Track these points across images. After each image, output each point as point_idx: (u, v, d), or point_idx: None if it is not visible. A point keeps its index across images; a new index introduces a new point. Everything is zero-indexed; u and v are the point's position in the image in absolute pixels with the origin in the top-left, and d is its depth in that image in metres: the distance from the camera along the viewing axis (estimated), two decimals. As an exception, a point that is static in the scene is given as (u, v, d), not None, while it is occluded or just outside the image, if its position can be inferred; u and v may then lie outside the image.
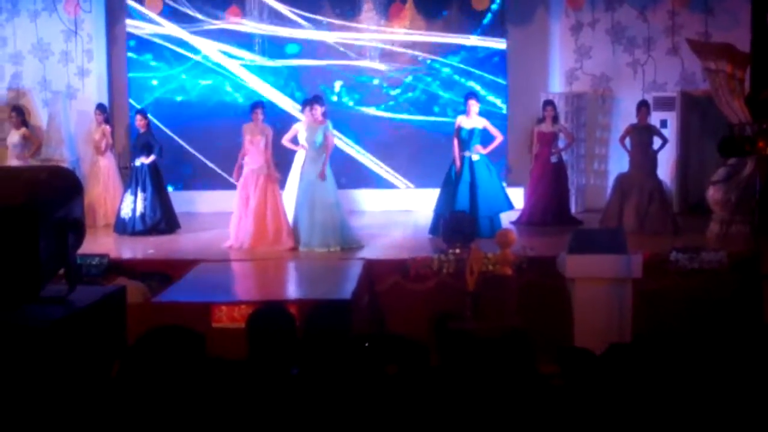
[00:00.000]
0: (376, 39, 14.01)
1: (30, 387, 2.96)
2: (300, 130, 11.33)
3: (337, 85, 14.37)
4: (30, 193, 3.08)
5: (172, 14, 14.12)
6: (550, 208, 12.36)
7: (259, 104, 11.48)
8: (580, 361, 5.96)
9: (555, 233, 11.47)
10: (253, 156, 11.17)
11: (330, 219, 10.79)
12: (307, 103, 11.29)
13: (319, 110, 10.90)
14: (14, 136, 12.50)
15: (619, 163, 12.94)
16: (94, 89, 14.14)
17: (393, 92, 14.36)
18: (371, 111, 14.39)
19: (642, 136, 11.88)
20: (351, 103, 14.38)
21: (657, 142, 11.97)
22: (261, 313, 3.97)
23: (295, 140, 11.49)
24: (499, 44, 14.15)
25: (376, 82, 14.34)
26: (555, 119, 12.55)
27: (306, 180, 10.91)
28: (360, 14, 13.76)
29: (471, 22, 14.09)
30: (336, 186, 11.13)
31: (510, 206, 11.86)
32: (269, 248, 10.82)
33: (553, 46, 14.24)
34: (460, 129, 11.64)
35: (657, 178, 11.94)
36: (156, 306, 8.46)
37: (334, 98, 14.30)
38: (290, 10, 14.13)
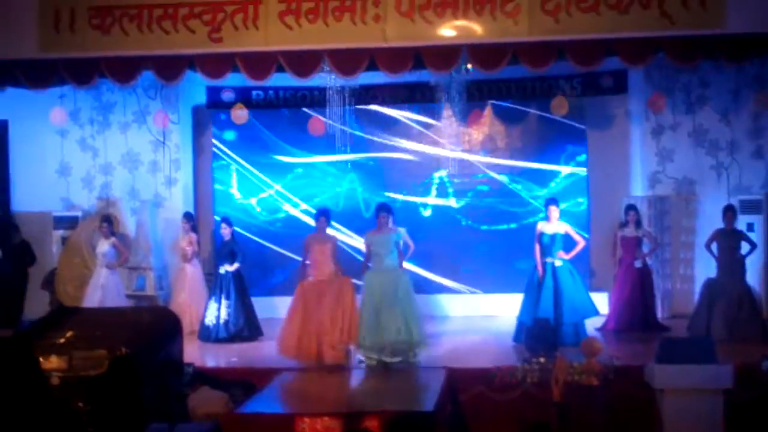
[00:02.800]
0: (455, 143, 14.17)
1: None
2: (371, 239, 10.78)
3: (434, 187, 14.50)
4: (134, 336, 3.16)
5: (256, 124, 14.52)
6: (636, 314, 12.15)
7: (323, 212, 11.17)
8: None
9: (641, 340, 11.31)
10: (322, 266, 10.76)
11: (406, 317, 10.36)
12: (378, 211, 10.91)
13: (389, 219, 10.83)
14: (104, 246, 12.79)
15: (706, 267, 12.70)
16: (180, 198, 14.51)
17: (473, 195, 14.42)
18: (452, 214, 14.45)
19: (729, 240, 11.68)
20: (428, 211, 14.47)
21: (745, 246, 11.75)
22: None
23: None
24: (580, 150, 14.18)
25: (456, 184, 14.43)
26: (638, 224, 12.43)
27: (382, 287, 10.47)
28: (440, 120, 13.94)
29: (551, 126, 14.14)
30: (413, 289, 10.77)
31: (596, 312, 11.70)
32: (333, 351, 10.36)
33: (634, 150, 14.20)
34: (541, 234, 11.60)
35: (746, 283, 11.68)
36: (239, 417, 8.49)
37: (415, 199, 14.44)
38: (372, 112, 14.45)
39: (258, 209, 14.73)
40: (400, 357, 10.34)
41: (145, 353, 3.23)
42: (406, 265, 12.63)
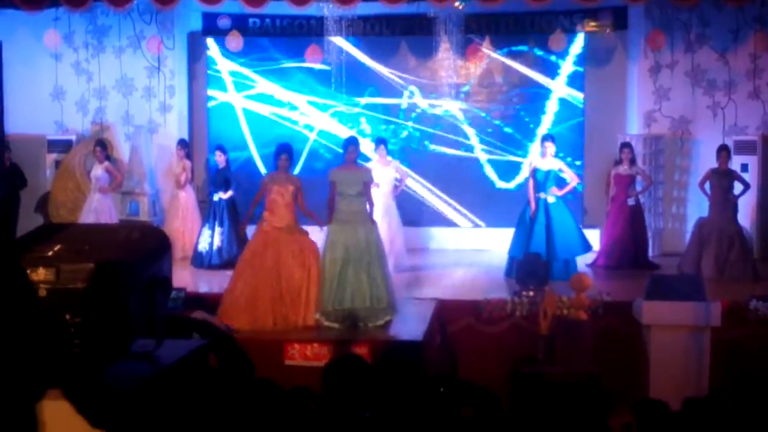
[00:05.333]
0: (452, 79, 14.06)
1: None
2: (337, 177, 9.39)
3: (410, 124, 14.45)
4: (122, 251, 3.17)
5: (251, 52, 14.38)
6: (627, 251, 12.20)
7: (284, 149, 9.52)
8: (656, 415, 5.87)
9: (631, 277, 11.35)
10: (279, 210, 9.21)
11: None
12: (347, 145, 9.50)
13: (357, 154, 9.54)
14: (98, 170, 12.79)
15: (698, 206, 12.74)
16: (174, 124, 14.44)
17: (467, 131, 14.37)
18: (444, 149, 14.40)
19: (722, 181, 11.69)
20: (426, 142, 14.42)
21: (738, 187, 11.77)
22: (338, 363, 4.00)
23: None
24: (576, 86, 14.10)
25: (450, 121, 14.38)
26: (632, 161, 12.42)
27: (348, 247, 9.12)
28: (436, 54, 13.82)
29: (548, 63, 14.05)
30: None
31: (588, 248, 11.75)
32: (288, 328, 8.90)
33: (631, 88, 14.12)
34: (535, 170, 11.60)
35: (737, 223, 11.73)
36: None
37: (404, 133, 14.40)
38: (367, 51, 14.33)
39: (252, 137, 14.68)
40: (365, 323, 9.01)
41: (134, 267, 3.25)
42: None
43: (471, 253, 13.71)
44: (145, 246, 3.36)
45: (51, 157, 14.19)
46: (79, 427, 2.94)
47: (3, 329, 2.68)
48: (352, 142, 9.49)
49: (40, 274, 3.05)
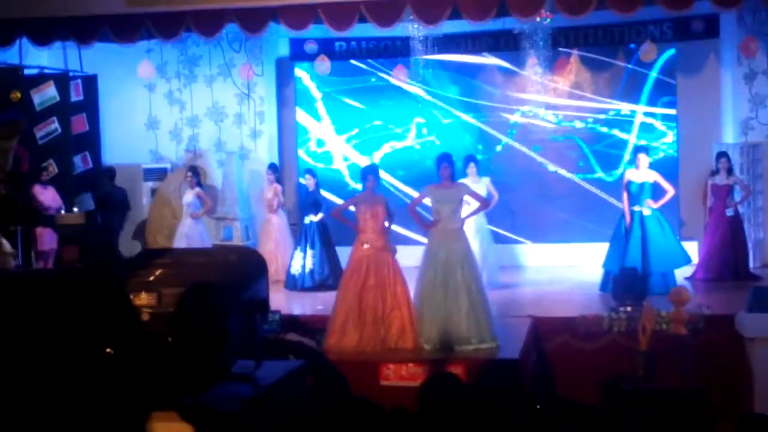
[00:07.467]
0: (540, 93, 13.92)
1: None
2: (433, 194, 9.39)
3: (502, 137, 14.35)
4: (221, 274, 3.23)
5: (339, 74, 14.49)
6: (727, 263, 11.89)
7: (371, 170, 9.67)
8: (762, 430, 5.69)
9: (732, 290, 11.08)
10: (374, 232, 9.23)
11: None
12: (440, 161, 9.37)
13: (452, 171, 9.34)
14: (188, 196, 13.04)
15: (799, 215, 12.38)
16: (265, 149, 14.66)
17: (557, 144, 14.23)
18: (536, 162, 14.26)
19: (824, 188, 11.36)
20: (521, 154, 14.29)
21: (840, 194, 11.42)
22: (434, 383, 3.98)
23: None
24: (669, 96, 13.85)
25: (538, 135, 14.25)
26: (730, 171, 12.13)
27: (447, 263, 9.03)
28: (524, 68, 13.73)
29: (638, 74, 13.83)
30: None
31: (687, 261, 11.51)
32: (388, 349, 8.92)
33: (725, 96, 13.81)
34: (629, 183, 11.42)
35: (841, 231, 11.37)
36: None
37: (498, 148, 14.32)
38: (452, 62, 14.32)
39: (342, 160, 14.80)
40: (464, 347, 8.82)
41: (232, 290, 3.30)
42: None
43: (561, 269, 13.51)
44: (242, 269, 3.42)
45: (147, 186, 14.54)
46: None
47: (110, 354, 2.74)
48: (444, 159, 9.34)
49: (143, 298, 3.12)
